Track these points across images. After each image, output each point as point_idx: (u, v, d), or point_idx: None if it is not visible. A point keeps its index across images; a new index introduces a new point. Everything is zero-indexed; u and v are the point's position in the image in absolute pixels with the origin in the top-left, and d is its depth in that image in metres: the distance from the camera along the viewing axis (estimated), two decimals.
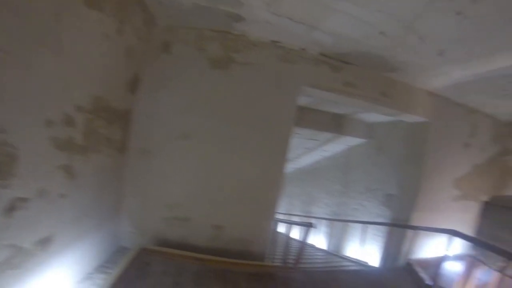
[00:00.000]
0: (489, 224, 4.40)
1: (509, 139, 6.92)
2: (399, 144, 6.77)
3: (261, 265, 4.20)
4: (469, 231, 4.97)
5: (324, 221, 8.99)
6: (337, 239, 8.46)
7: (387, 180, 7.14)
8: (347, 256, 7.35)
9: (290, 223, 5.28)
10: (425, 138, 5.57)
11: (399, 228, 5.64)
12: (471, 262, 4.51)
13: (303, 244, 4.60)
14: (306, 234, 4.56)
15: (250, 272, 3.73)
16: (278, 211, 4.96)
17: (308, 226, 4.50)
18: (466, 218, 6.40)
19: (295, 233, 7.57)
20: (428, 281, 4.33)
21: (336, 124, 7.64)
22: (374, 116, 7.27)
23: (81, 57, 2.43)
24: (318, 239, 9.13)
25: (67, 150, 2.41)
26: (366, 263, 6.54)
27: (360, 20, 3.23)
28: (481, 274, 4.65)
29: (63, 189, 2.44)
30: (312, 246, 8.56)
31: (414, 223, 5.47)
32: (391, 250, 5.80)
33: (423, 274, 4.60)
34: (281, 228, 7.81)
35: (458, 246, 5.47)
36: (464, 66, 4.10)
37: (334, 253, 7.86)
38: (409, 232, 5.36)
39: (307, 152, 9.67)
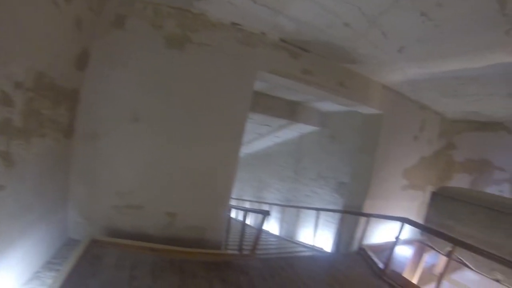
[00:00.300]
0: (437, 213, 4.77)
1: (454, 135, 7.60)
2: (353, 134, 7.06)
3: (217, 253, 4.17)
4: (415, 218, 5.38)
5: (275, 206, 9.17)
6: (289, 225, 8.70)
7: (340, 168, 7.44)
8: (301, 242, 7.56)
9: (246, 210, 5.30)
10: (378, 129, 5.85)
11: (352, 214, 5.90)
12: (420, 246, 4.89)
13: (259, 232, 4.63)
14: (262, 222, 4.59)
15: (207, 261, 3.70)
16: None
17: (264, 214, 4.53)
18: (413, 206, 6.93)
19: (249, 219, 7.65)
20: (380, 265, 4.61)
21: (290, 111, 7.78)
22: (329, 105, 7.48)
23: (22, 25, 2.10)
24: (271, 225, 9.32)
25: (4, 134, 2.10)
26: (320, 248, 6.78)
27: (326, 9, 3.22)
28: (429, 257, 5.07)
29: (1, 179, 2.14)
30: (266, 232, 8.69)
31: (366, 210, 5.78)
32: (344, 236, 6.07)
33: (375, 259, 4.88)
34: (235, 214, 7.88)
35: (407, 232, 5.88)
36: (421, 64, 4.32)
37: (288, 239, 8.05)
38: (362, 219, 5.64)
39: (259, 137, 9.76)
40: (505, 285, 3.55)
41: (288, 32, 4.02)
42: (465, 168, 7.39)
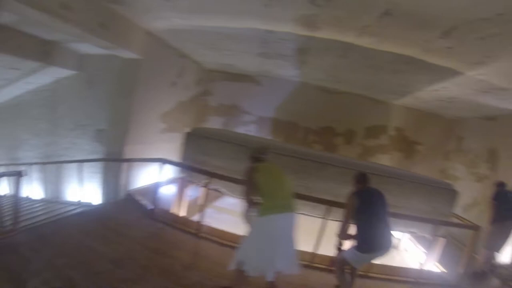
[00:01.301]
0: (192, 151, 5.70)
1: (210, 82, 9.06)
2: (111, 79, 7.05)
3: None
4: (176, 158, 6.24)
5: (36, 166, 8.28)
6: (54, 184, 8.16)
7: (98, 115, 7.37)
8: (69, 201, 7.37)
9: None
10: (136, 74, 6.20)
11: (114, 162, 6.21)
12: (182, 183, 5.72)
13: (17, 199, 4.25)
14: (17, 186, 4.19)
15: None
16: None
17: (17, 175, 4.13)
18: (173, 147, 7.90)
19: (4, 187, 6.68)
20: (149, 206, 5.18)
21: (44, 52, 6.92)
22: (87, 47, 7.05)
23: None
24: (33, 188, 8.44)
25: None
26: (89, 203, 6.80)
27: None
28: (191, 191, 6.03)
29: None
30: (28, 198, 7.88)
31: (127, 156, 6.21)
32: (111, 185, 6.36)
33: (143, 201, 5.41)
34: None
35: (170, 171, 6.70)
36: (186, 16, 4.77)
37: (54, 201, 7.62)
38: (124, 165, 6.05)
39: (7, 84, 8.20)
40: None
41: None
42: (218, 112, 9.15)
